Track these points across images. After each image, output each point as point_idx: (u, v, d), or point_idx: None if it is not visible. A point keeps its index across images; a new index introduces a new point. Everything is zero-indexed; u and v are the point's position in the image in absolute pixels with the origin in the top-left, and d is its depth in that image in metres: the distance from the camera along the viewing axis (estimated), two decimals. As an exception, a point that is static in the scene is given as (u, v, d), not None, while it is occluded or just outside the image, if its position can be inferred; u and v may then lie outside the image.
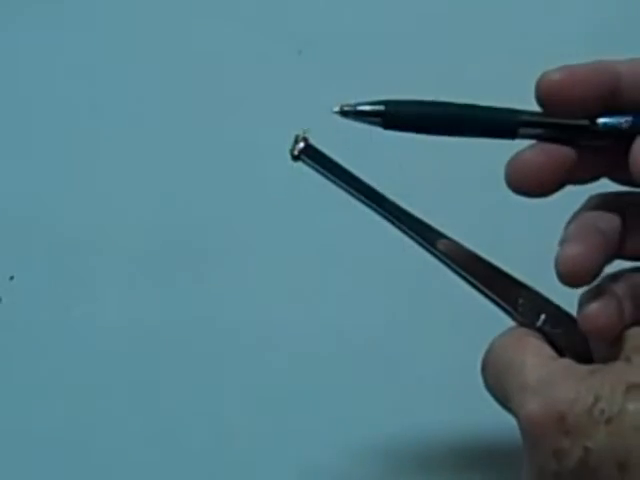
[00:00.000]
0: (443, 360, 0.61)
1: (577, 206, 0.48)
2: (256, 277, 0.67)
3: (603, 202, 0.47)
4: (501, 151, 0.46)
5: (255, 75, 0.75)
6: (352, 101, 0.46)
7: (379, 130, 0.46)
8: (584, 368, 0.43)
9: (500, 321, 0.48)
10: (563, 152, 0.45)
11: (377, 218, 0.49)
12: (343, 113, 0.46)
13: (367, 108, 0.46)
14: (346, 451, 0.60)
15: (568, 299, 0.45)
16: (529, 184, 0.45)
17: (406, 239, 0.49)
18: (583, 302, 0.44)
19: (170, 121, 0.74)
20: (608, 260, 0.45)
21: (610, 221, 0.46)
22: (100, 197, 0.71)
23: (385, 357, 0.62)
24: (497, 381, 0.45)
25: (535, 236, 0.62)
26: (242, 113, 0.73)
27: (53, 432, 0.63)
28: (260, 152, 0.70)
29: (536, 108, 0.45)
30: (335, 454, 0.60)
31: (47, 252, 0.69)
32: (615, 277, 0.46)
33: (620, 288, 0.45)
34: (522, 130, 0.46)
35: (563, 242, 0.44)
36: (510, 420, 0.44)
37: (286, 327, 0.64)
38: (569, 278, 0.43)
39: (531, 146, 0.46)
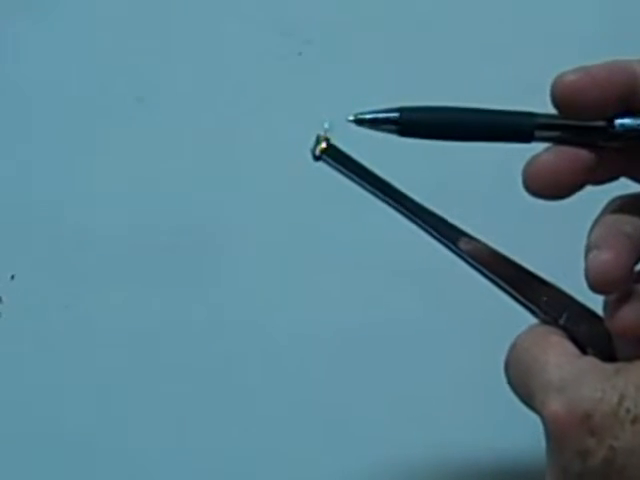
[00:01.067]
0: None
1: (597, 204, 0.48)
2: (264, 275, 0.67)
3: (625, 205, 0.46)
4: (521, 152, 0.46)
5: (255, 75, 0.75)
6: (367, 109, 0.46)
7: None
8: (609, 367, 0.43)
9: (519, 319, 0.48)
10: (580, 154, 0.45)
11: (396, 217, 0.49)
12: (358, 122, 0.46)
13: (382, 116, 0.45)
14: (358, 461, 0.60)
15: (591, 296, 0.44)
16: (546, 187, 0.45)
17: (426, 237, 0.49)
18: (609, 302, 0.44)
19: (169, 120, 0.73)
20: (636, 263, 0.45)
21: (634, 224, 0.45)
22: (101, 196, 0.71)
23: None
24: (521, 380, 0.45)
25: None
26: (242, 113, 0.73)
27: (53, 431, 0.62)
28: (260, 151, 0.70)
29: (552, 110, 0.45)
30: (346, 464, 0.60)
31: (48, 251, 0.69)
32: None
33: None
34: (538, 133, 0.45)
35: (590, 249, 0.44)
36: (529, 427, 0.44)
37: (293, 328, 0.64)
38: (600, 286, 0.43)
39: (548, 149, 0.45)
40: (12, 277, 0.68)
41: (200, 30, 0.77)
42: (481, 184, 0.66)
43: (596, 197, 0.47)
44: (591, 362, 0.44)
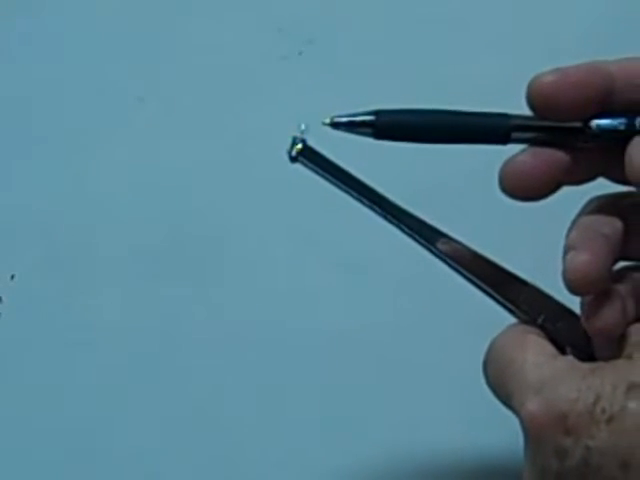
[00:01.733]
0: (442, 362, 0.61)
1: (575, 204, 0.48)
2: (258, 278, 0.67)
3: (603, 205, 0.47)
4: (499, 153, 0.46)
5: (256, 75, 0.75)
6: (343, 112, 0.46)
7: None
8: (585, 366, 0.43)
9: (498, 318, 0.48)
10: (556, 156, 0.45)
11: (378, 218, 0.49)
12: (334, 125, 0.46)
13: (358, 119, 0.45)
14: (353, 461, 0.60)
15: (569, 295, 0.44)
16: (523, 189, 0.45)
17: (408, 239, 0.49)
18: (586, 302, 0.44)
19: (169, 120, 0.74)
20: (614, 264, 0.45)
21: (612, 224, 0.45)
22: (101, 196, 0.71)
23: (392, 363, 0.63)
24: (499, 380, 0.45)
25: (534, 235, 0.62)
26: (243, 112, 0.73)
27: (53, 431, 0.62)
28: (260, 151, 0.70)
29: (528, 112, 0.45)
30: (341, 464, 0.60)
31: (48, 251, 0.69)
32: (618, 275, 0.46)
33: (623, 287, 0.45)
34: (514, 134, 0.45)
35: (568, 250, 0.44)
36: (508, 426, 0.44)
37: (290, 329, 0.65)
38: (578, 287, 0.43)
39: (523, 150, 0.45)
40: (12, 277, 0.68)
41: (200, 30, 0.77)
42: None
43: (574, 198, 0.47)
44: (568, 362, 0.44)
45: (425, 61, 0.73)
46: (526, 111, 0.45)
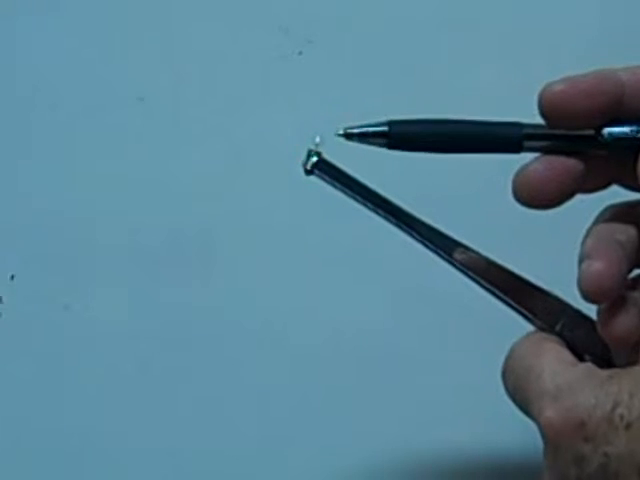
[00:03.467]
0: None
1: (592, 212, 0.48)
2: (259, 280, 0.67)
3: (617, 213, 0.47)
4: (514, 162, 0.46)
5: (256, 75, 0.74)
6: (356, 123, 0.46)
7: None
8: (603, 373, 0.43)
9: (518, 325, 0.48)
10: (569, 164, 0.45)
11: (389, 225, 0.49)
12: (347, 136, 0.46)
13: (371, 130, 0.45)
14: (354, 462, 0.60)
15: (586, 302, 0.44)
16: (536, 197, 0.45)
17: (421, 248, 0.49)
18: (602, 310, 0.44)
19: (170, 120, 0.73)
20: (629, 272, 0.45)
21: (627, 232, 0.46)
22: (101, 196, 0.71)
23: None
24: (517, 387, 0.45)
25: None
26: (242, 112, 0.73)
27: (53, 431, 0.63)
28: (260, 151, 0.70)
29: (540, 120, 0.45)
30: (342, 466, 0.60)
31: (48, 251, 0.69)
32: (633, 282, 0.46)
33: (639, 294, 0.45)
34: (527, 143, 0.46)
35: (583, 259, 0.44)
36: (526, 430, 0.44)
37: (292, 332, 0.65)
38: (593, 295, 0.43)
39: (536, 159, 0.46)
40: (12, 277, 0.68)
41: (201, 30, 0.77)
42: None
43: (589, 206, 0.47)
44: (586, 369, 0.44)
45: (426, 62, 0.73)
46: (538, 120, 0.45)
